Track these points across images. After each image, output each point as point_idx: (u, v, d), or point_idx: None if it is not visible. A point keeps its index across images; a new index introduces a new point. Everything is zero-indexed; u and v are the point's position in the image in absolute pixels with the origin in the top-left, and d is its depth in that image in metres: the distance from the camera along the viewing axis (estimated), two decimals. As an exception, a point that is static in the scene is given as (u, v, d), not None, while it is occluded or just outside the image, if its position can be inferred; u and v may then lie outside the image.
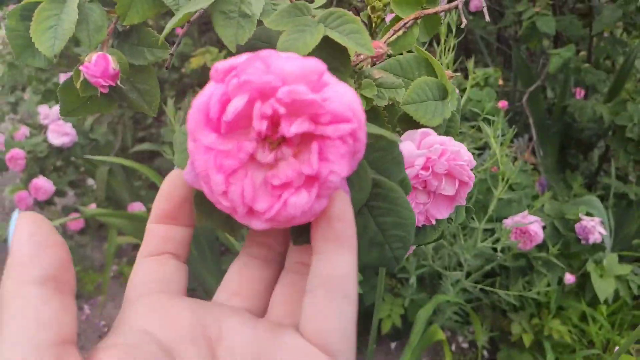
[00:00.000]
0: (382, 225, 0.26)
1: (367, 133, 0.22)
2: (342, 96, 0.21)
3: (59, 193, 1.65)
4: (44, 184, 1.56)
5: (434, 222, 0.38)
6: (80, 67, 0.33)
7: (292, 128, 0.20)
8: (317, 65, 0.21)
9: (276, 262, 0.27)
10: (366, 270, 1.23)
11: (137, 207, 1.75)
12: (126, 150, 1.96)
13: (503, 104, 1.14)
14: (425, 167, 0.33)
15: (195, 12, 0.33)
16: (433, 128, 0.34)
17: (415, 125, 0.34)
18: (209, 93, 0.21)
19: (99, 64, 0.34)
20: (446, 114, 0.34)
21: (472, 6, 1.87)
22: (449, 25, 1.03)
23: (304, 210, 0.21)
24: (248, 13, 0.31)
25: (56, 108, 1.63)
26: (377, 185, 0.26)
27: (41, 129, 1.64)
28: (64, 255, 0.20)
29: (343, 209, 0.23)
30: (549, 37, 1.73)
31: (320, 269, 0.23)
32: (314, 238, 0.23)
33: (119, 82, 0.35)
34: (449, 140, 0.34)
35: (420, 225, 0.37)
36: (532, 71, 1.78)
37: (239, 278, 0.27)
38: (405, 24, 0.39)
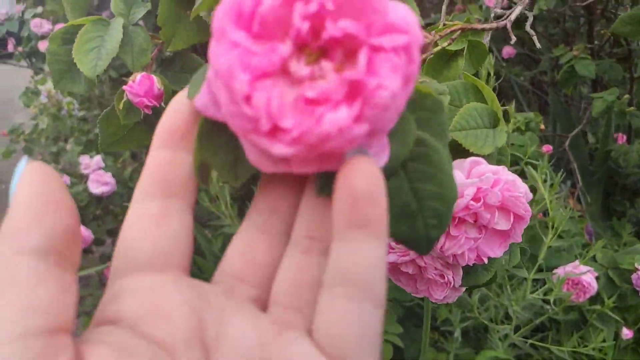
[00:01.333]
0: (418, 193, 0.21)
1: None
2: (397, 7, 0.18)
3: (98, 242, 1.67)
4: (83, 233, 1.58)
5: (485, 261, 0.35)
6: (124, 87, 0.33)
7: (341, 24, 0.17)
8: None
9: (287, 237, 0.22)
10: (407, 322, 1.17)
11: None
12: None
13: (547, 148, 1.10)
14: (476, 198, 0.30)
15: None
16: (484, 157, 0.32)
17: (464, 154, 0.32)
18: None
19: (143, 83, 0.33)
20: (498, 142, 0.32)
21: (505, 53, 1.86)
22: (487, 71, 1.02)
23: (341, 129, 0.17)
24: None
25: (97, 158, 1.68)
26: (418, 143, 0.21)
27: (82, 178, 1.68)
28: (71, 221, 0.16)
29: (373, 183, 0.18)
30: (587, 83, 1.70)
31: (341, 260, 0.18)
32: (336, 218, 0.18)
33: (163, 105, 0.34)
34: (502, 170, 0.31)
35: (470, 264, 0.34)
36: (572, 115, 1.74)
37: (244, 258, 0.22)
38: (452, 31, 0.37)
